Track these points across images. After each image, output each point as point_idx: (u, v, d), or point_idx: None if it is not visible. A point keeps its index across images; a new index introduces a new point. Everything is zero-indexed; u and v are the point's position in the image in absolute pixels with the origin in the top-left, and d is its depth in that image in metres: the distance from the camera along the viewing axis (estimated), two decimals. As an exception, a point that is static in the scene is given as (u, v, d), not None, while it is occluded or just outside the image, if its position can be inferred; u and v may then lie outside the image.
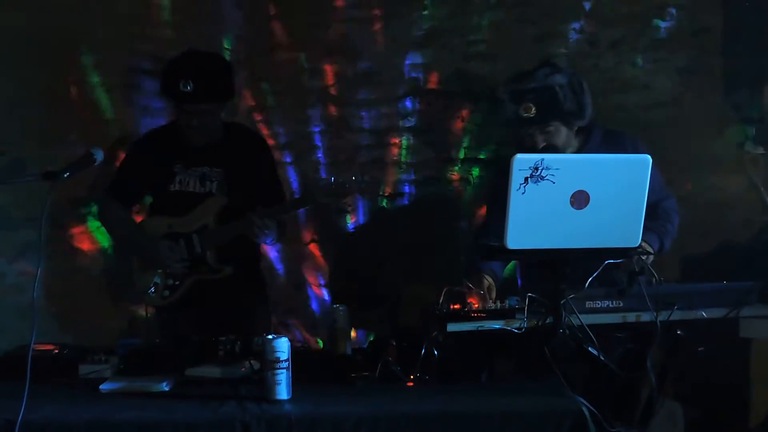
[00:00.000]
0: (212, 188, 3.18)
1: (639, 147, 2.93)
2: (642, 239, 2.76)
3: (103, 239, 3.76)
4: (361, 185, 2.98)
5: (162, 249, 3.16)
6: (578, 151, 2.99)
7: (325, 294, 3.81)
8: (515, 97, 2.95)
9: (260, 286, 3.38)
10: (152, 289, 3.19)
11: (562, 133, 2.96)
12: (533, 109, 2.90)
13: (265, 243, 3.25)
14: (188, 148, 3.18)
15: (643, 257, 2.64)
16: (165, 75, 3.11)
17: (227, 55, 3.67)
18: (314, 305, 3.83)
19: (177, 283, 3.18)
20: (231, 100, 3.22)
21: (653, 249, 2.83)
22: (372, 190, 3.65)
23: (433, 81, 3.76)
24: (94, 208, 3.70)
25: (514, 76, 3.04)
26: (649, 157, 2.46)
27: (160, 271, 3.20)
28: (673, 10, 3.63)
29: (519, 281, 3.15)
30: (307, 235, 3.80)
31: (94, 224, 3.73)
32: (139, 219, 3.38)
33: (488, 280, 2.77)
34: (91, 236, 3.76)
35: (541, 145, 2.93)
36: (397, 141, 3.79)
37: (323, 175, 3.73)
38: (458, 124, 3.76)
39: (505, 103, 2.97)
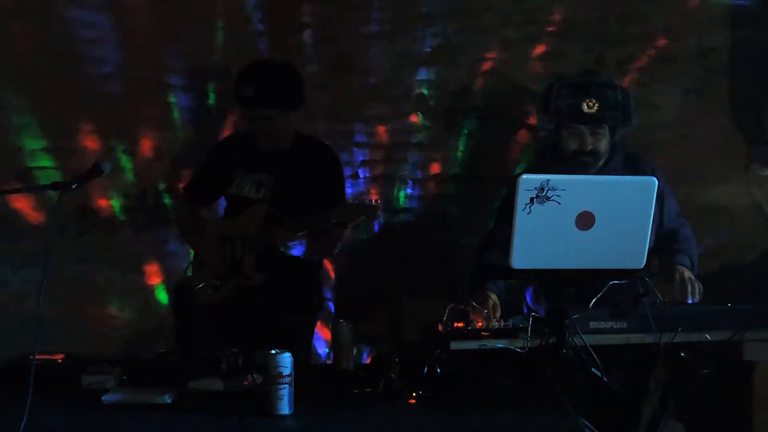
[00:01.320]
0: (265, 195, 3.21)
1: (657, 174, 2.93)
2: (677, 263, 2.80)
3: (110, 248, 3.77)
4: (367, 207, 2.97)
5: (209, 250, 3.21)
6: (602, 167, 2.99)
7: (329, 308, 3.81)
8: (579, 90, 2.89)
9: (305, 299, 3.33)
10: (201, 285, 3.23)
11: (606, 140, 2.96)
12: (597, 105, 2.86)
13: (294, 255, 3.18)
14: (253, 153, 3.24)
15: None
16: (236, 80, 3.19)
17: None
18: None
19: (219, 283, 3.22)
20: (296, 108, 3.23)
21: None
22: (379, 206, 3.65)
23: (440, 97, 3.77)
24: (101, 218, 3.73)
25: (573, 74, 3.02)
26: (654, 179, 2.46)
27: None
28: (680, 31, 3.64)
29: (528, 299, 3.14)
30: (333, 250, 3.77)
31: (100, 233, 3.75)
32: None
33: (493, 298, 2.77)
34: (98, 245, 3.77)
35: (590, 146, 2.92)
36: (403, 157, 3.80)
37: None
38: (466, 141, 3.77)
39: (560, 96, 2.90)
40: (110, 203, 3.77)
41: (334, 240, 3.26)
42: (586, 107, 2.87)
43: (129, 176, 3.77)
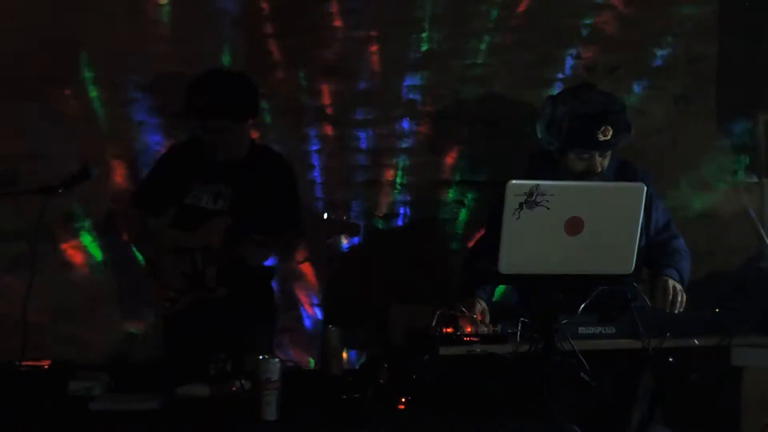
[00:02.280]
0: (223, 207, 3.18)
1: (650, 182, 2.91)
2: (663, 275, 2.78)
3: (96, 253, 3.76)
4: (348, 225, 2.97)
5: (165, 262, 3.17)
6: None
7: (317, 313, 3.80)
8: (594, 120, 2.83)
9: (263, 309, 3.34)
10: (156, 298, 3.22)
11: (609, 156, 2.95)
12: (611, 132, 2.83)
13: (260, 265, 3.21)
14: (209, 163, 3.20)
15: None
16: (188, 90, 3.16)
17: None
18: (307, 324, 3.82)
19: (177, 297, 3.18)
20: (250, 119, 3.21)
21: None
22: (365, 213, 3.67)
23: (429, 103, 3.77)
24: (87, 223, 3.70)
25: (572, 87, 2.98)
26: (643, 185, 2.47)
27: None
28: (670, 38, 3.66)
29: (516, 303, 3.14)
30: (300, 255, 3.79)
31: (87, 239, 3.73)
32: None
33: (481, 304, 2.77)
34: (84, 250, 3.74)
35: (599, 169, 2.89)
36: (392, 162, 3.80)
37: (318, 194, 3.74)
38: (454, 147, 3.77)
39: (573, 124, 2.84)
40: (95, 208, 3.75)
41: (296, 247, 3.24)
42: (602, 136, 2.83)
43: (112, 180, 3.75)
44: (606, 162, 2.95)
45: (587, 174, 2.91)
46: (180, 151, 3.34)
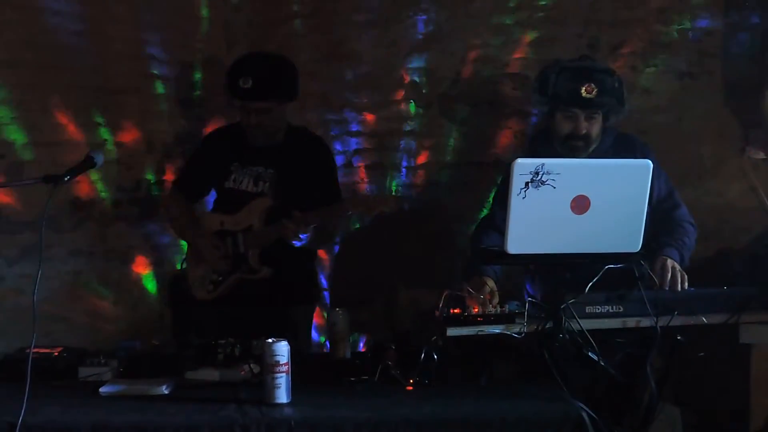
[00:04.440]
0: (264, 189, 3.20)
1: (648, 153, 2.92)
2: (663, 254, 2.77)
3: (105, 242, 3.76)
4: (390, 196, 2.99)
5: (209, 244, 3.19)
6: (592, 151, 2.98)
7: (325, 297, 3.81)
8: (579, 74, 2.88)
9: (306, 289, 3.36)
10: (199, 281, 3.23)
11: (599, 125, 2.95)
12: (595, 90, 2.86)
13: (296, 246, 3.17)
14: (248, 147, 3.22)
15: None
16: (228, 73, 3.17)
17: (230, 60, 3.68)
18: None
19: (220, 279, 3.21)
20: (290, 100, 3.23)
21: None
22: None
23: (433, 85, 3.76)
24: (95, 211, 3.71)
25: (572, 59, 3.01)
26: (650, 162, 2.46)
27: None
28: (674, 14, 3.63)
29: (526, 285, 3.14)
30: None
31: (95, 227, 3.73)
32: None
33: (490, 284, 2.77)
34: (93, 238, 3.75)
35: (584, 131, 2.91)
36: (396, 145, 3.79)
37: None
38: (459, 128, 3.76)
39: (559, 79, 2.89)
40: (102, 196, 3.75)
41: (337, 228, 3.26)
42: (584, 92, 2.86)
43: (119, 168, 3.75)
44: (594, 129, 2.93)
45: (573, 137, 2.91)
46: (219, 135, 3.38)
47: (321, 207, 3.04)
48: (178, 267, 3.44)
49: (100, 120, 3.70)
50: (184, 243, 3.50)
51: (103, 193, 3.74)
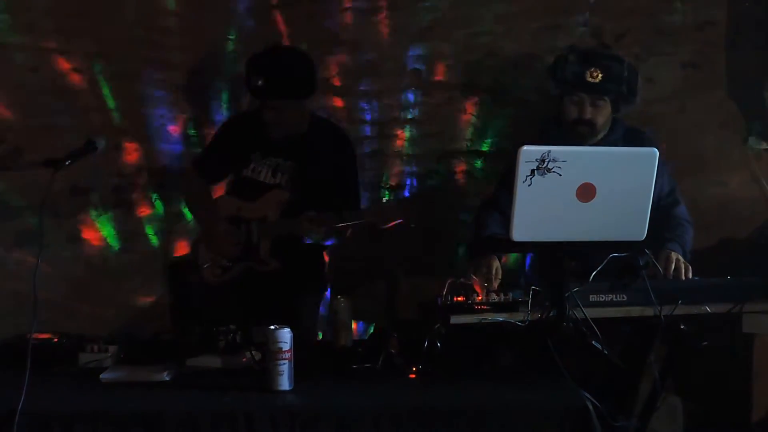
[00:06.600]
0: (282, 181, 3.19)
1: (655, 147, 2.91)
2: (667, 248, 2.78)
3: (104, 228, 3.74)
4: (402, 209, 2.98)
5: (220, 230, 3.17)
6: (601, 140, 2.98)
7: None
8: (585, 59, 2.93)
9: (313, 281, 3.35)
10: (207, 264, 3.22)
11: (605, 113, 2.96)
12: (600, 75, 2.88)
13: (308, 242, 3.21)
14: (269, 136, 3.19)
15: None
16: (246, 68, 3.15)
17: (230, 45, 3.65)
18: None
19: (229, 265, 3.19)
20: (308, 96, 3.20)
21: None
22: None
23: (435, 72, 3.74)
24: (94, 197, 3.69)
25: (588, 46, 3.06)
26: (656, 150, 2.44)
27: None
28: (678, 4, 3.62)
29: (527, 271, 3.13)
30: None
31: (94, 213, 3.72)
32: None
33: (495, 263, 2.77)
34: (92, 225, 3.73)
35: (588, 116, 2.92)
36: (399, 133, 3.77)
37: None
38: (461, 116, 3.74)
39: (567, 63, 2.94)
40: (103, 183, 3.73)
41: (351, 235, 3.23)
42: (589, 76, 2.89)
43: (121, 155, 3.73)
44: (600, 116, 2.94)
45: (578, 123, 2.93)
46: (240, 122, 3.35)
47: (338, 208, 2.99)
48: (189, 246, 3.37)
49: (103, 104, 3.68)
50: (190, 227, 3.48)
51: (102, 179, 3.72)
